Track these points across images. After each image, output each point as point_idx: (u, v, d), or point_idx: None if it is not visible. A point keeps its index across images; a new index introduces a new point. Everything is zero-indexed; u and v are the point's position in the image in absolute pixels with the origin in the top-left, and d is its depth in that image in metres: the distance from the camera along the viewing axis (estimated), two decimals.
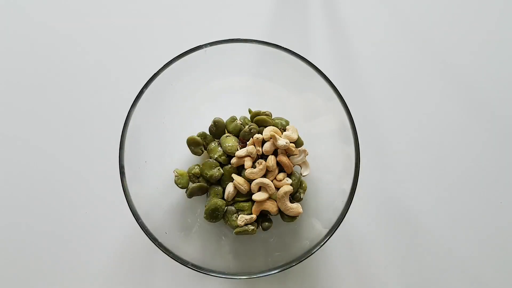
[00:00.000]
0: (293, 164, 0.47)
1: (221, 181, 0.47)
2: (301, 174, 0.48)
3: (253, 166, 0.46)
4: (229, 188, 0.46)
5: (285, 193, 0.45)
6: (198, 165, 0.47)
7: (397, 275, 0.52)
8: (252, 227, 0.45)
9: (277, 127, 0.48)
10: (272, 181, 0.46)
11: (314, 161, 0.48)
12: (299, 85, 0.48)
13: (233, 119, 0.48)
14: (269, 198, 0.46)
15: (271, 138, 0.46)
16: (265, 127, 0.48)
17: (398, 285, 0.52)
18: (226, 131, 0.48)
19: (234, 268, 0.45)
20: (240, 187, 0.45)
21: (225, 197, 0.46)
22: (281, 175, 0.46)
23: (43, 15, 0.58)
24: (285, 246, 0.47)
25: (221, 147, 0.47)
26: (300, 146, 0.48)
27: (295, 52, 0.45)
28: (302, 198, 0.47)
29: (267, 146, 0.46)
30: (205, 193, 0.47)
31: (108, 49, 0.57)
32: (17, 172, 0.54)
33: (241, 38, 0.45)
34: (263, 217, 0.47)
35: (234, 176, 0.46)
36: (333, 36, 0.58)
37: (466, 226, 0.53)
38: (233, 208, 0.46)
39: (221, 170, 0.46)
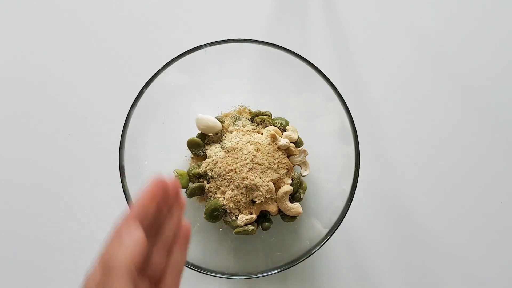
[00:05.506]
0: (293, 164, 0.47)
1: None
2: (301, 174, 0.48)
3: None
4: None
5: (285, 193, 0.45)
6: (198, 165, 0.47)
7: (397, 274, 0.52)
8: (252, 227, 0.45)
9: (277, 127, 0.48)
10: None
11: (314, 161, 0.48)
12: (299, 85, 0.48)
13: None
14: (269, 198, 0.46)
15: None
16: (265, 127, 0.48)
17: (398, 284, 0.52)
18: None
19: (234, 268, 0.45)
20: None
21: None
22: None
23: (43, 16, 0.58)
24: (285, 246, 0.47)
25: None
26: (300, 146, 0.48)
27: (295, 52, 0.45)
28: (302, 198, 0.47)
29: None
30: (204, 193, 0.47)
31: (108, 49, 0.57)
32: (16, 172, 0.54)
33: (241, 38, 0.45)
34: (263, 217, 0.47)
35: None
36: (333, 37, 0.58)
37: (466, 225, 0.53)
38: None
39: None
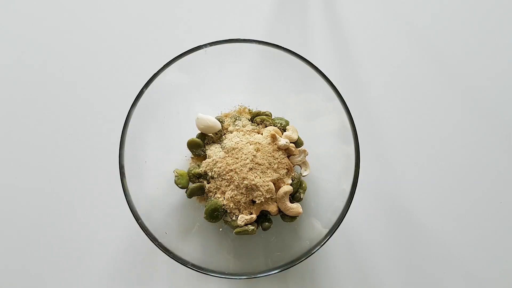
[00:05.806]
0: (293, 164, 0.47)
1: None
2: (301, 174, 0.48)
3: None
4: None
5: (285, 193, 0.45)
6: (198, 165, 0.47)
7: (397, 274, 0.52)
8: (252, 227, 0.45)
9: (277, 127, 0.48)
10: None
11: (314, 161, 0.48)
12: (299, 85, 0.48)
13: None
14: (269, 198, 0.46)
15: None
16: (265, 127, 0.48)
17: (398, 284, 0.52)
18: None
19: (234, 268, 0.45)
20: None
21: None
22: None
23: (43, 15, 0.58)
24: (285, 246, 0.47)
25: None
26: (300, 146, 0.48)
27: (295, 52, 0.45)
28: (302, 198, 0.47)
29: None
30: (205, 193, 0.47)
31: (108, 49, 0.57)
32: (16, 172, 0.54)
33: (241, 38, 0.45)
34: (263, 217, 0.47)
35: None
36: (333, 37, 0.58)
37: (466, 225, 0.53)
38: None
39: None
